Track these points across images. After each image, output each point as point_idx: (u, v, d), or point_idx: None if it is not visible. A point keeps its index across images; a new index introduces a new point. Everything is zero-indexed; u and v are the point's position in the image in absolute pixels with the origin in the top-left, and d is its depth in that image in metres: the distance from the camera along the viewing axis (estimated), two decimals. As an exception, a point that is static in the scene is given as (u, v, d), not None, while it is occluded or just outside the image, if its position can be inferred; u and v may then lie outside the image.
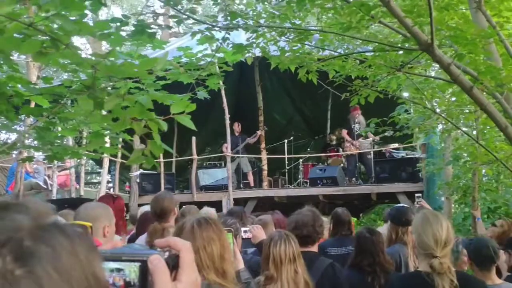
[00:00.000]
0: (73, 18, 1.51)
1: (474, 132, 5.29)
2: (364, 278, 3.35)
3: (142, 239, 3.50)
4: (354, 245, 3.63)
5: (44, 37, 1.50)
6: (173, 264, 0.78)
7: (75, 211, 2.89)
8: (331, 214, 4.77)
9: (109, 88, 3.12)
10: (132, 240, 4.44)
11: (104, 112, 2.22)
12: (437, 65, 5.55)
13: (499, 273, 3.43)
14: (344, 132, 11.62)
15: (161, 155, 9.12)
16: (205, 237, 1.92)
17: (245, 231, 4.00)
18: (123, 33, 2.37)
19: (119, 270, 0.73)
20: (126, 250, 0.78)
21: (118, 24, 2.73)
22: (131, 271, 0.73)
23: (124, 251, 0.77)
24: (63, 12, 1.42)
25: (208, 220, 2.01)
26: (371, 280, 3.31)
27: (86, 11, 1.94)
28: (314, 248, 3.36)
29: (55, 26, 1.51)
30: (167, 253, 0.78)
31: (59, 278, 0.51)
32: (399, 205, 4.20)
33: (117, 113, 2.19)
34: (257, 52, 4.73)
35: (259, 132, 11.83)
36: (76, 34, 1.47)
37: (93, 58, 1.65)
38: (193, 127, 1.82)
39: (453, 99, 5.57)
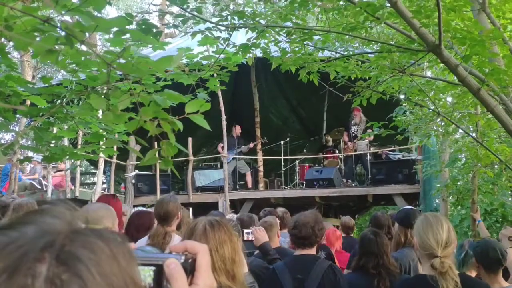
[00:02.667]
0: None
1: (473, 134, 5.29)
2: (370, 281, 3.31)
3: (143, 241, 3.45)
4: (358, 247, 3.58)
5: (58, 34, 1.45)
6: (190, 268, 0.76)
7: (81, 211, 2.82)
8: (370, 218, 4.77)
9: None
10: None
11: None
12: (435, 67, 5.57)
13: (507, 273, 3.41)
14: (345, 134, 11.63)
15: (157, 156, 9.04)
16: (217, 239, 1.88)
17: (247, 233, 3.95)
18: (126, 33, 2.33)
19: None
20: (140, 253, 0.75)
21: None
22: (146, 275, 0.71)
23: (138, 254, 0.73)
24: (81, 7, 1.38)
25: (220, 222, 1.97)
26: (377, 283, 3.28)
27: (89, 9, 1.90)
28: (313, 251, 3.32)
29: (70, 21, 1.46)
30: (183, 257, 0.76)
31: (103, 282, 0.51)
32: (406, 207, 4.15)
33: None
34: (258, 53, 4.69)
35: (251, 145, 11.84)
36: (93, 31, 1.42)
37: (108, 56, 1.61)
38: (207, 126, 1.78)
39: (449, 99, 5.57)
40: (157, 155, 2.21)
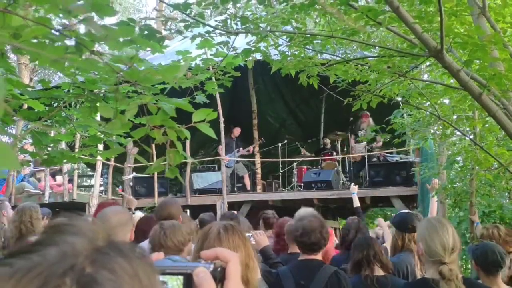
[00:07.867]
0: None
1: (471, 137, 5.29)
2: (363, 280, 3.33)
3: (144, 245, 3.43)
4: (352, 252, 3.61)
5: (68, 41, 1.44)
6: (220, 277, 0.76)
7: (101, 216, 2.81)
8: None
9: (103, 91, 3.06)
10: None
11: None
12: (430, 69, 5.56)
13: None
14: (352, 139, 11.63)
15: (154, 157, 9.03)
16: (232, 243, 1.86)
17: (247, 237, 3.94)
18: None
19: (162, 282, 0.72)
20: (169, 263, 0.77)
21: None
22: (174, 284, 0.72)
23: (167, 264, 0.75)
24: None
25: (234, 226, 1.95)
26: (365, 278, 3.31)
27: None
28: (319, 256, 3.31)
29: (81, 31, 1.45)
30: (212, 265, 0.77)
31: None
32: (402, 211, 4.14)
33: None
34: (258, 56, 4.68)
35: (251, 148, 11.83)
36: (103, 40, 1.41)
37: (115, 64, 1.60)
38: (213, 135, 1.77)
39: (446, 101, 5.57)
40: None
